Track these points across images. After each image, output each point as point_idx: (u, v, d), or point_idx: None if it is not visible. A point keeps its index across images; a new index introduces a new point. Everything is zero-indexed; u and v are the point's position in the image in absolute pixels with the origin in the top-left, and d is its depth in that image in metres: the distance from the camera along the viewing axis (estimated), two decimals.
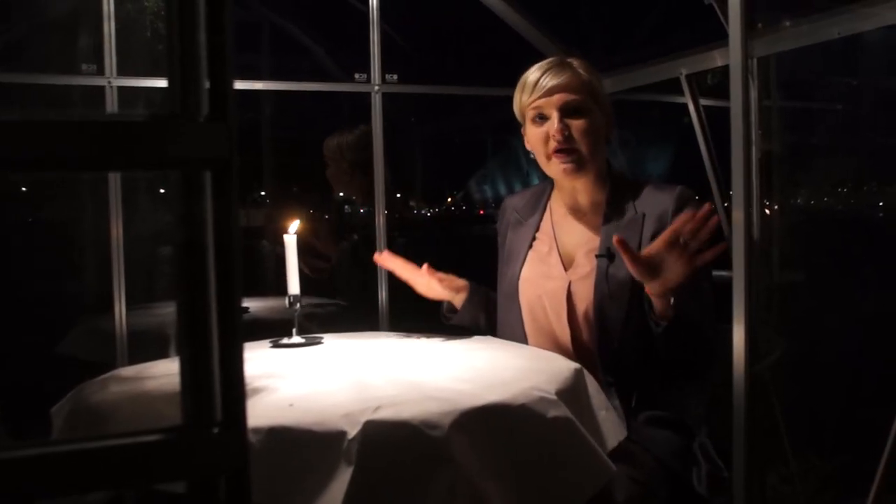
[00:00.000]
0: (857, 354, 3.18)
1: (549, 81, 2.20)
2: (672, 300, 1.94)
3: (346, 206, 3.75)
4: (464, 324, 2.40)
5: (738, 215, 1.97)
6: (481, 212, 6.73)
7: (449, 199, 6.82)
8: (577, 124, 2.18)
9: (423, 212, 6.19)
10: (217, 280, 0.58)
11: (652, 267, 1.90)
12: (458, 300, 2.40)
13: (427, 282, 2.34)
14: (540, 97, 2.21)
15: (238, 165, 0.59)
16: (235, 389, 0.59)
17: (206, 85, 0.58)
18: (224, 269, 0.58)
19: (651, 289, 1.95)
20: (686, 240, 1.87)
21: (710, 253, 1.87)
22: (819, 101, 3.61)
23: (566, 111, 2.19)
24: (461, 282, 2.39)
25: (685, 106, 2.89)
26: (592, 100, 2.21)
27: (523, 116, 2.29)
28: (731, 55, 1.96)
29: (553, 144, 2.19)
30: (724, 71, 2.65)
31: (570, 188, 2.30)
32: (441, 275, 2.34)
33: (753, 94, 2.45)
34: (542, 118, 2.22)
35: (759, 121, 2.51)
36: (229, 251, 0.59)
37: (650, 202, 2.19)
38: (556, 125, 2.18)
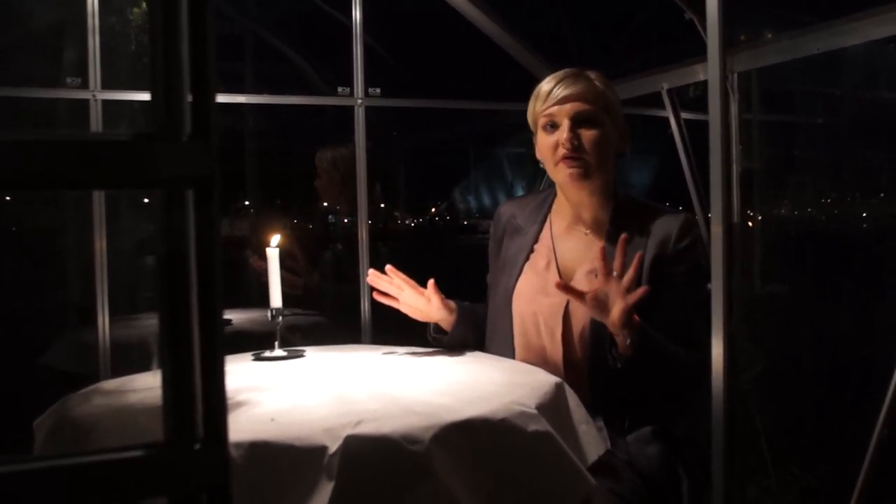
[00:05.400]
0: (837, 366, 3.20)
1: (562, 91, 2.19)
2: (629, 341, 1.96)
3: (331, 216, 3.76)
4: (453, 344, 2.36)
5: (716, 230, 1.98)
6: (465, 222, 6.74)
7: (433, 210, 6.83)
8: (587, 134, 2.17)
9: (407, 222, 6.20)
10: (198, 297, 0.58)
11: (600, 304, 1.96)
12: (448, 322, 2.34)
13: (426, 303, 2.30)
14: (553, 105, 2.20)
15: (220, 183, 0.59)
16: (217, 405, 0.58)
17: (189, 98, 0.58)
18: (205, 286, 0.58)
19: (609, 328, 1.99)
20: (617, 272, 1.95)
21: (635, 295, 1.92)
22: (801, 114, 3.64)
23: (578, 121, 2.18)
24: (451, 303, 2.35)
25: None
26: (605, 112, 2.20)
27: (535, 124, 2.28)
28: (710, 72, 1.98)
29: (562, 152, 2.18)
30: (707, 84, 2.68)
31: (573, 200, 2.28)
32: (441, 295, 2.31)
33: (734, 108, 2.47)
34: (553, 126, 2.21)
35: (739, 135, 2.53)
36: (211, 268, 0.58)
37: (653, 226, 2.19)
38: (566, 134, 2.16)
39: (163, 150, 0.57)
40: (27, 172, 0.53)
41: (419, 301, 2.31)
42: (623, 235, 1.99)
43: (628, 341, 1.96)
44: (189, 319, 0.57)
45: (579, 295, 1.98)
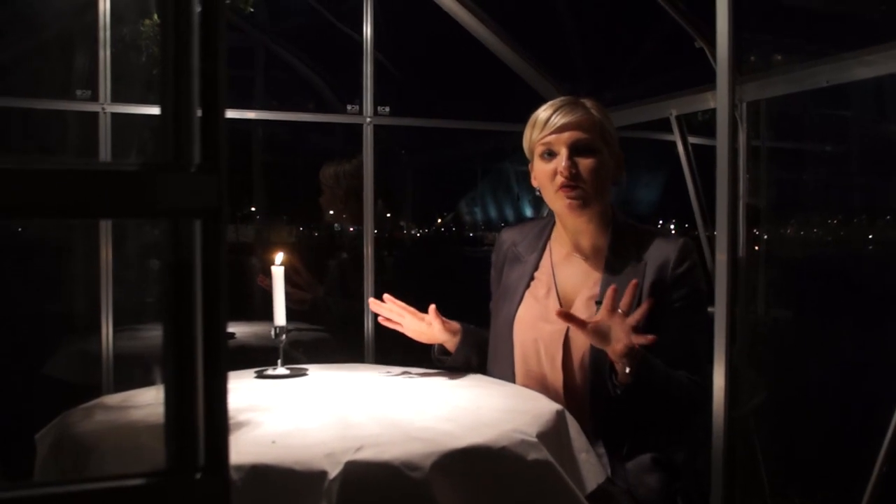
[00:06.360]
0: (839, 393, 3.19)
1: (560, 119, 2.20)
2: (628, 369, 1.96)
3: (336, 225, 3.75)
4: (457, 366, 2.36)
5: (721, 258, 1.97)
6: (471, 234, 6.75)
7: (438, 221, 6.83)
8: (585, 163, 2.18)
9: (413, 232, 6.20)
10: (203, 327, 0.58)
11: (601, 334, 1.96)
12: (452, 343, 2.36)
13: (427, 327, 2.31)
14: (550, 133, 2.20)
15: (228, 214, 0.60)
16: (219, 434, 0.59)
17: (199, 113, 0.58)
18: (210, 315, 0.58)
19: (610, 355, 1.99)
20: (623, 311, 1.95)
21: (644, 338, 1.90)
22: (807, 139, 3.63)
23: (575, 149, 2.19)
24: (455, 325, 2.36)
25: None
26: (602, 140, 2.21)
27: (532, 152, 2.28)
28: (718, 103, 1.97)
29: (560, 180, 2.18)
30: (713, 109, 2.67)
31: (572, 228, 2.28)
32: (443, 318, 2.32)
33: (742, 137, 2.47)
34: (550, 154, 2.22)
35: (746, 164, 2.52)
36: (216, 298, 0.59)
37: (652, 251, 2.19)
38: (564, 162, 2.17)
39: (170, 181, 0.57)
40: (33, 201, 0.54)
41: (421, 326, 2.32)
42: (633, 281, 2.00)
43: (628, 370, 1.96)
44: (193, 348, 0.58)
45: (580, 324, 1.97)
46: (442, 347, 2.40)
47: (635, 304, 1.99)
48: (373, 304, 2.35)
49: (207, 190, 0.58)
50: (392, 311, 2.32)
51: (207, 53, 0.58)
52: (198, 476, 0.57)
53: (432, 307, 2.29)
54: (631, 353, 1.94)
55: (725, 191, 1.95)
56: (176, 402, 0.58)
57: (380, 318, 2.36)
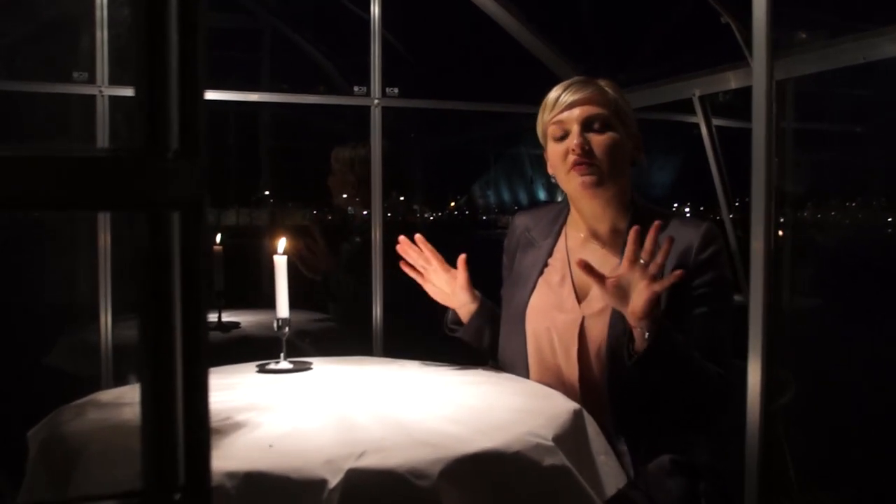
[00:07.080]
0: (868, 384, 3.12)
1: (570, 97, 2.12)
2: (647, 334, 1.85)
3: (350, 209, 3.70)
4: (467, 338, 2.30)
5: (757, 245, 1.89)
6: (484, 217, 6.79)
7: (452, 204, 6.85)
8: (598, 139, 2.09)
9: (426, 215, 6.21)
10: (182, 333, 0.53)
11: (620, 291, 1.87)
12: (467, 311, 2.28)
13: (450, 282, 2.24)
14: (561, 112, 2.12)
15: (208, 204, 0.55)
16: (201, 450, 0.54)
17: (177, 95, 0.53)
18: (190, 322, 0.54)
19: (628, 318, 1.89)
20: (644, 260, 1.84)
21: (667, 280, 1.82)
22: (826, 121, 3.57)
23: (588, 125, 2.10)
24: (476, 291, 2.28)
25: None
26: (617, 118, 2.12)
27: (545, 135, 2.20)
28: (755, 82, 1.88)
29: (572, 158, 2.09)
30: (736, 90, 2.57)
31: (588, 212, 2.19)
32: (468, 275, 2.24)
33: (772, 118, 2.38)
34: (563, 134, 2.14)
35: (776, 146, 2.44)
36: (196, 301, 0.54)
37: (674, 236, 2.09)
38: (576, 139, 2.08)
39: (145, 168, 0.52)
40: None
41: (444, 279, 2.26)
42: (656, 222, 1.90)
43: (647, 334, 1.86)
44: (172, 357, 0.53)
45: (599, 278, 1.88)
46: (455, 318, 2.34)
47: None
48: (403, 243, 2.26)
49: (186, 179, 0.53)
50: (419, 256, 2.24)
51: (185, 28, 0.53)
52: (177, 497, 0.54)
53: (462, 257, 2.22)
54: (652, 315, 1.84)
55: (762, 176, 1.87)
56: (152, 416, 0.53)
57: (402, 264, 2.27)
